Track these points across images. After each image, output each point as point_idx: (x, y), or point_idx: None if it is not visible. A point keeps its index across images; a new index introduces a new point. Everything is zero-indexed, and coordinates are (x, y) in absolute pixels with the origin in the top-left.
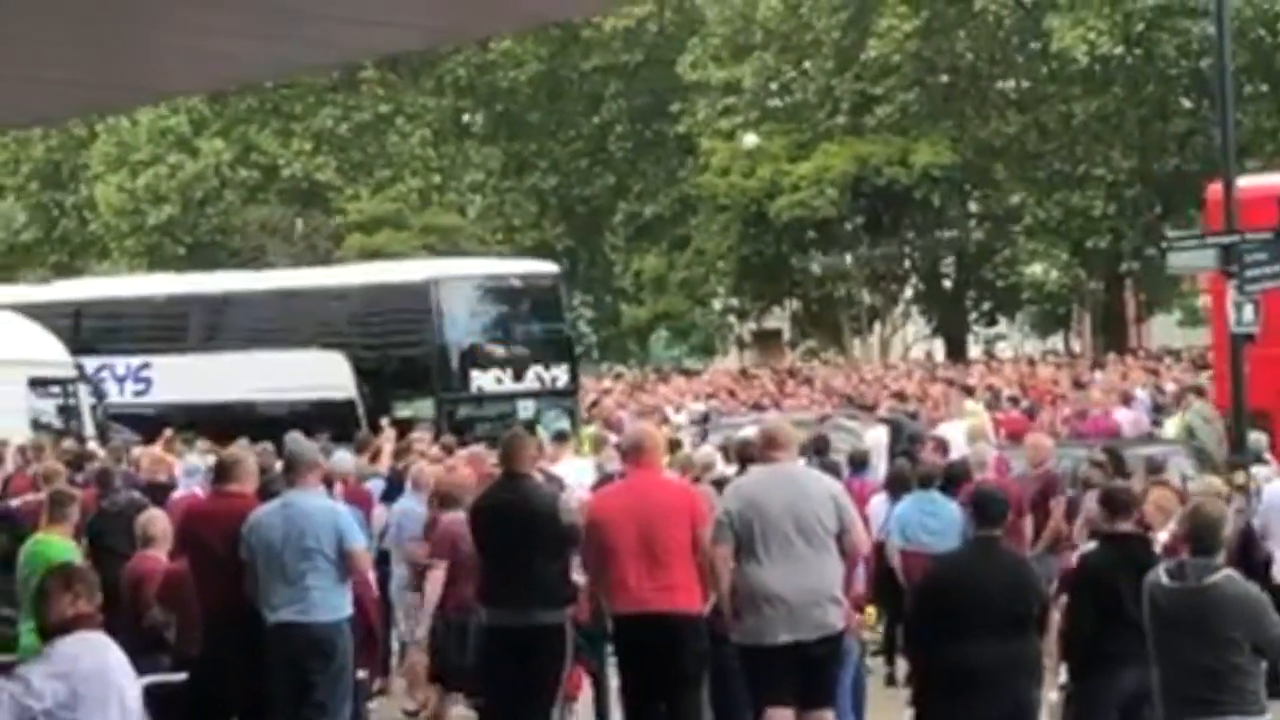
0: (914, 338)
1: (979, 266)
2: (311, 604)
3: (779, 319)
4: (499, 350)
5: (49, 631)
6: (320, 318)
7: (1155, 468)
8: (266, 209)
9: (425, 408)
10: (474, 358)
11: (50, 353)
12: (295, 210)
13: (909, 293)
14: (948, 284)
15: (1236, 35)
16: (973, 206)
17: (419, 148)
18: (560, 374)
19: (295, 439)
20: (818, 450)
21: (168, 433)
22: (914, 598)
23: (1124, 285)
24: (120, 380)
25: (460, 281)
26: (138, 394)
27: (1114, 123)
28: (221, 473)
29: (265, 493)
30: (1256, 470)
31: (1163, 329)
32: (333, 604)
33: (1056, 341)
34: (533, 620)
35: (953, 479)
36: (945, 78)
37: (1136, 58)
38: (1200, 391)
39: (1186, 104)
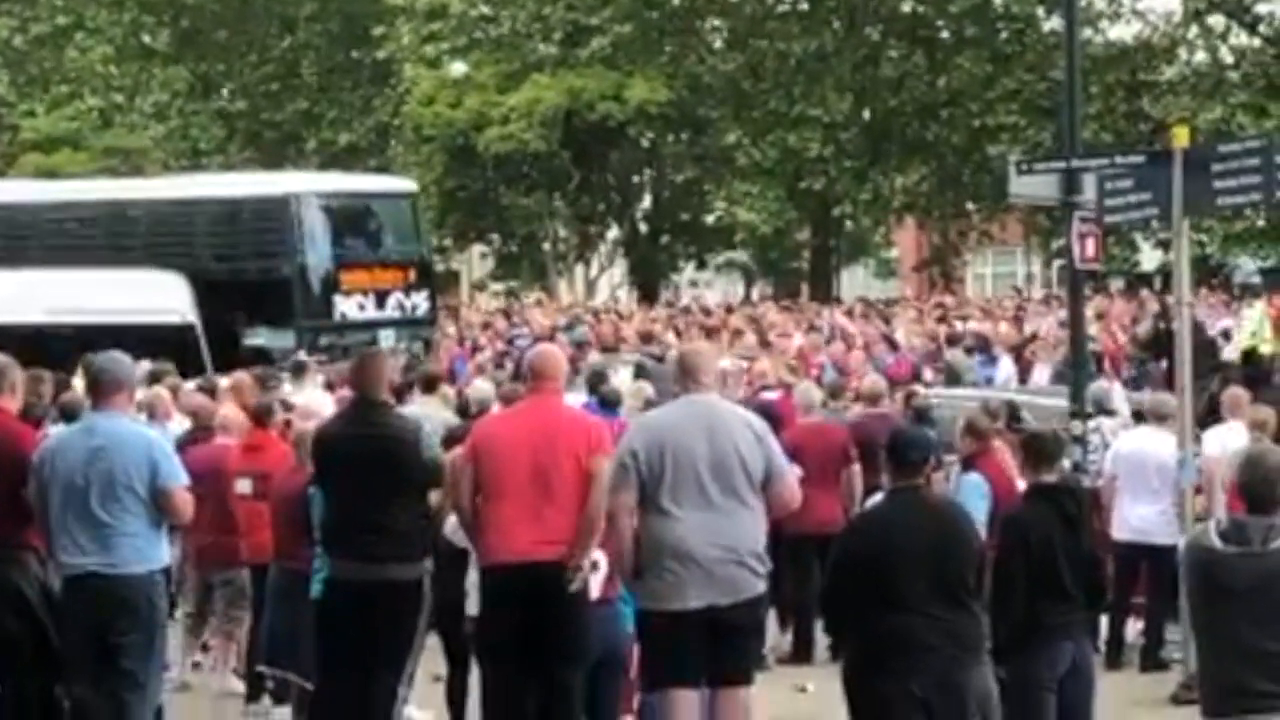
0: (613, 281)
1: (677, 209)
2: (120, 553)
3: (458, 261)
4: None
5: None
6: (157, 234)
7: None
8: None
9: (282, 337)
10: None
11: None
12: None
13: (614, 233)
14: (644, 226)
15: None
16: (680, 148)
17: (100, 65)
18: (420, 301)
19: (110, 355)
20: (593, 386)
21: None
22: (833, 561)
23: (829, 231)
24: None
25: (322, 197)
26: None
27: (832, 64)
28: None
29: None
30: (1102, 421)
31: (853, 280)
32: (146, 553)
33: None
34: (385, 574)
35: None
36: (654, 14)
37: None
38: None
39: (893, 54)
